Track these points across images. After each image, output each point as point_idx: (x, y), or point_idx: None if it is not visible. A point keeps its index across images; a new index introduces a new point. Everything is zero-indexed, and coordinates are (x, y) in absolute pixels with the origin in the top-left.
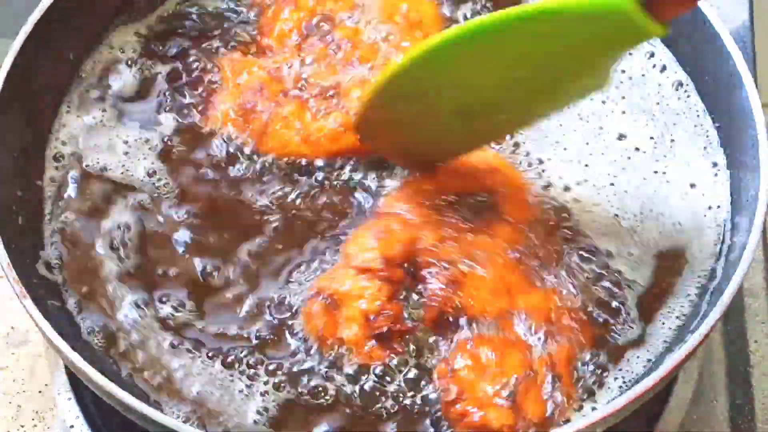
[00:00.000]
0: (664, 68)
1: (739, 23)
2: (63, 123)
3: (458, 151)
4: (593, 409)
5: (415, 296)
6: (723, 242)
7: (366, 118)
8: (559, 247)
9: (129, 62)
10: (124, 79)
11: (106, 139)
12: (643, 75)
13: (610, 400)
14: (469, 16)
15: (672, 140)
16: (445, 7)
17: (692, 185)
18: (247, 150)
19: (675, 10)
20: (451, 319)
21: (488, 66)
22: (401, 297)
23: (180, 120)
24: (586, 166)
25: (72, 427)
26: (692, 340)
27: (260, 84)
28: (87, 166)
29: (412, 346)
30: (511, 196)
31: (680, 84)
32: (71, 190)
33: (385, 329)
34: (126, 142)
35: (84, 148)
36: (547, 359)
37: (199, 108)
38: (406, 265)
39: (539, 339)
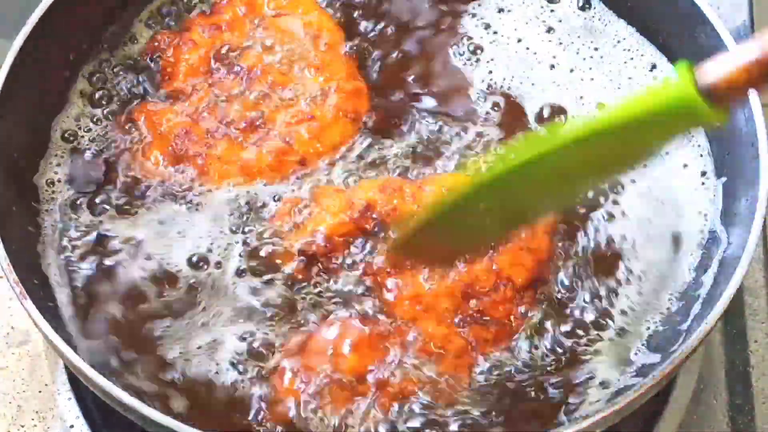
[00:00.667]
0: (654, 66)
1: (739, 23)
2: (63, 123)
3: (493, 242)
4: (594, 409)
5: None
6: (723, 241)
7: (409, 243)
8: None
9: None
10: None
11: (106, 140)
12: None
13: (610, 400)
14: (361, 19)
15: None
16: (340, 14)
17: (691, 184)
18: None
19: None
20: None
21: (549, 176)
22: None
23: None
24: None
25: (72, 427)
26: (692, 340)
27: (184, 129)
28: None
29: None
30: None
31: None
32: (71, 191)
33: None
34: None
35: (85, 149)
36: None
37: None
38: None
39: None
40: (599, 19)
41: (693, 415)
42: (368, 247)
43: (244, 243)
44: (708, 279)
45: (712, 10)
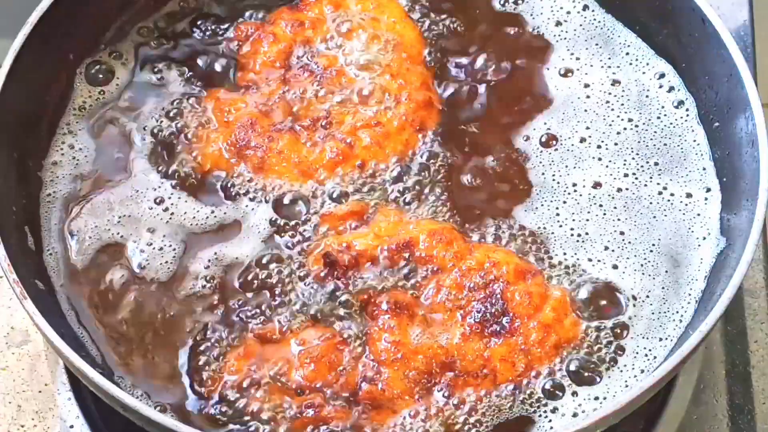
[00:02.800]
0: (662, 75)
1: (739, 23)
2: (63, 123)
3: None
4: (594, 409)
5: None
6: (723, 241)
7: None
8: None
9: (124, 63)
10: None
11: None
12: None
13: (611, 400)
14: (444, 32)
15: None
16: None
17: (689, 182)
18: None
19: None
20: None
21: None
22: None
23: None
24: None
25: (72, 427)
26: (692, 340)
27: (250, 120)
28: (87, 167)
29: None
30: None
31: (673, 89)
32: (71, 192)
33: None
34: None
35: (85, 149)
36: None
37: (193, 153)
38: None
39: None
40: (597, 20)
41: (693, 415)
42: (385, 278)
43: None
44: (708, 279)
45: (712, 10)
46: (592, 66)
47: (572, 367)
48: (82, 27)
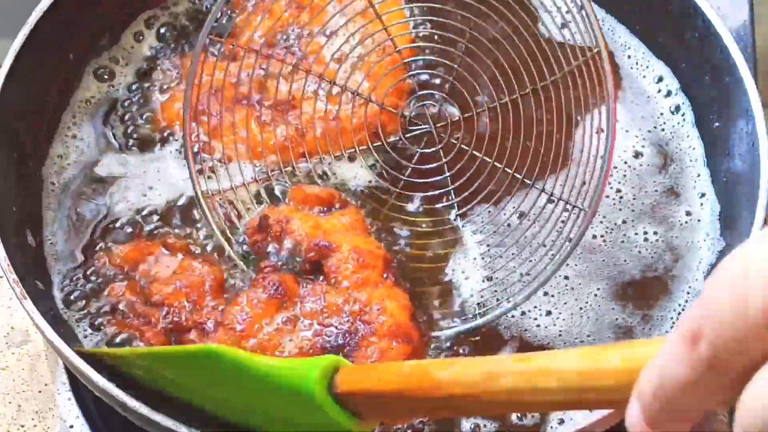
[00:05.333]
0: (661, 79)
1: (739, 23)
2: (63, 123)
3: None
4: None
5: None
6: (723, 242)
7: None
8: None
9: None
10: (123, 81)
11: (107, 141)
12: (647, 95)
13: None
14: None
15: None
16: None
17: (687, 179)
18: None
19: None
20: None
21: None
22: None
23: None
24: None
25: (72, 427)
26: None
27: (216, 87)
28: (88, 167)
29: None
30: None
31: (670, 91)
32: (72, 192)
33: None
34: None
35: (85, 149)
36: None
37: (160, 104)
38: None
39: None
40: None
41: None
42: (291, 262)
43: None
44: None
45: (712, 10)
46: None
47: None
48: (82, 27)
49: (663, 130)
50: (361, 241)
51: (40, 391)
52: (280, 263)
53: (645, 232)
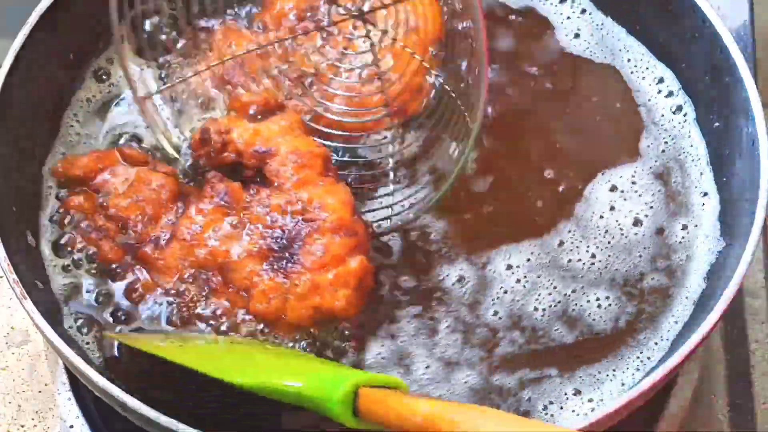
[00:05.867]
0: (661, 80)
1: (739, 23)
2: (64, 123)
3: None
4: (593, 409)
5: None
6: (723, 241)
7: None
8: None
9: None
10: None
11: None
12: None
13: (611, 401)
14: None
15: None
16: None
17: (688, 180)
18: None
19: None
20: None
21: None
22: None
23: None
24: None
25: (72, 427)
26: (692, 340)
27: (242, 58)
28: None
29: None
30: None
31: (670, 91)
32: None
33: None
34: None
35: (85, 149)
36: None
37: (187, 72)
38: None
39: None
40: (596, 23)
41: (693, 415)
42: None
43: None
44: (708, 280)
45: (712, 10)
46: None
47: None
48: (82, 26)
49: (664, 130)
50: (300, 143)
51: (40, 391)
52: (224, 173)
53: (644, 234)
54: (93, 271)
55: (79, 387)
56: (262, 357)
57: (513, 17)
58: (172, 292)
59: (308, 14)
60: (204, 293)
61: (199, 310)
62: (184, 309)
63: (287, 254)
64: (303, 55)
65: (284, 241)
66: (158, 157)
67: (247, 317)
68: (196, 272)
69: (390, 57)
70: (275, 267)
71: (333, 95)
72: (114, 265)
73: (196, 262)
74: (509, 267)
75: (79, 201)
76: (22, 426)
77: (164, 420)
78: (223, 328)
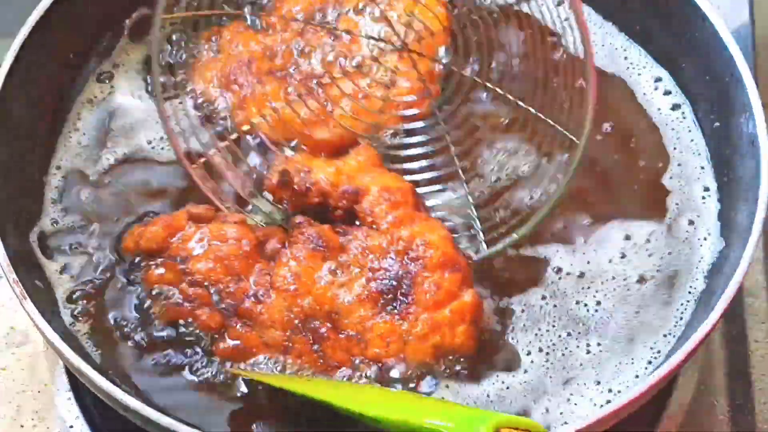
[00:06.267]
0: (659, 79)
1: (739, 23)
2: (64, 123)
3: None
4: (595, 408)
5: None
6: (723, 241)
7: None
8: None
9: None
10: (127, 77)
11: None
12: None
13: (611, 401)
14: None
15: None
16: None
17: (688, 180)
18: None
19: None
20: None
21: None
22: None
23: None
24: None
25: (72, 427)
26: (692, 340)
27: (249, 58)
28: (88, 167)
29: None
30: None
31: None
32: (72, 192)
33: None
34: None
35: (85, 149)
36: None
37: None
38: None
39: None
40: (596, 23)
41: (693, 415)
42: (323, 215)
43: None
44: (708, 279)
45: (712, 10)
46: None
47: (448, 372)
48: (82, 26)
49: (664, 130)
50: (388, 180)
51: (40, 391)
52: (312, 216)
53: (641, 235)
54: (189, 338)
55: (79, 387)
56: (393, 396)
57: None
58: (282, 346)
59: (317, 16)
60: (314, 344)
61: (313, 359)
62: (297, 360)
63: (398, 295)
64: (311, 55)
65: (393, 282)
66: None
67: (373, 365)
68: (303, 323)
69: (396, 59)
70: (388, 309)
71: (340, 96)
72: (216, 332)
73: (302, 312)
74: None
75: (161, 274)
76: (22, 426)
77: (164, 420)
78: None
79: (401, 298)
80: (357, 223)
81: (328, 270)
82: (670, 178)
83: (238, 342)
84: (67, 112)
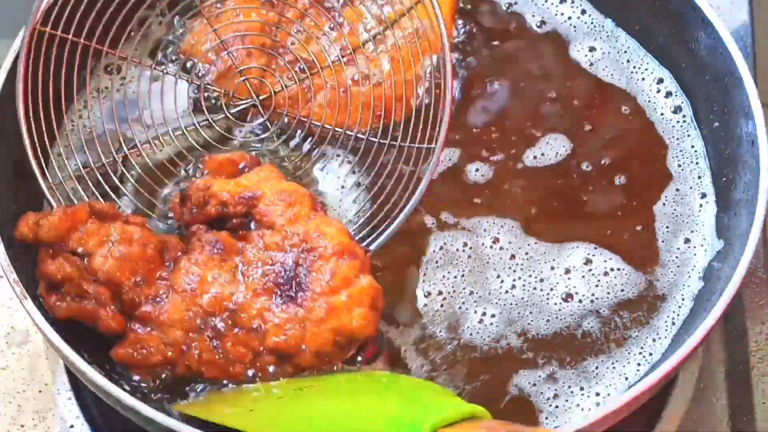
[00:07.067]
0: (661, 80)
1: (739, 23)
2: (65, 123)
3: None
4: (593, 407)
5: None
6: (723, 241)
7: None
8: None
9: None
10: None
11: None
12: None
13: (611, 401)
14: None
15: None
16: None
17: (688, 180)
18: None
19: None
20: None
21: None
22: None
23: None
24: None
25: (72, 427)
26: (692, 340)
27: (245, 29)
28: (88, 166)
29: None
30: None
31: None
32: (72, 191)
33: None
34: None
35: (91, 144)
36: None
37: (188, 34)
38: None
39: None
40: (596, 24)
41: (693, 415)
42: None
43: None
44: (708, 279)
45: (712, 10)
46: None
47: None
48: (83, 26)
49: (663, 130)
50: (285, 185)
51: (40, 391)
52: (209, 225)
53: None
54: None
55: (79, 387)
56: (332, 403)
57: (509, 17)
58: (182, 346)
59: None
60: (213, 341)
61: (214, 358)
62: (196, 360)
63: (294, 285)
64: (306, 39)
65: (289, 273)
66: (125, 209)
67: (268, 358)
68: (203, 321)
69: (387, 61)
70: (285, 299)
71: (320, 86)
72: (116, 334)
73: (201, 311)
74: (513, 257)
75: (58, 267)
76: (22, 426)
77: (164, 420)
78: (249, 374)
79: (298, 288)
80: (253, 226)
81: (226, 269)
82: (670, 177)
83: (137, 345)
84: (67, 112)
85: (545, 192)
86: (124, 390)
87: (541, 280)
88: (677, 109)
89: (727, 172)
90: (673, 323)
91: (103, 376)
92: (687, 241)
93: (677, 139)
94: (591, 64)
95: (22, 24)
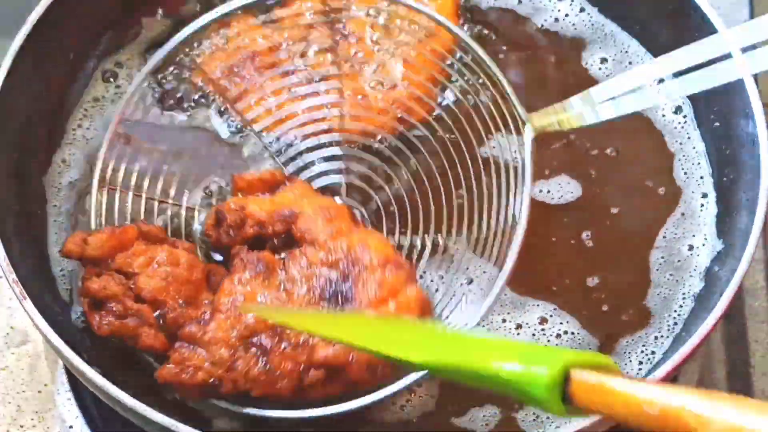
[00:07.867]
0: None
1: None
2: (65, 123)
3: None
4: None
5: None
6: (723, 241)
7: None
8: None
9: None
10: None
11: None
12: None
13: None
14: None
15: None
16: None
17: (686, 182)
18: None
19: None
20: None
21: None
22: None
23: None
24: None
25: (72, 427)
26: (692, 340)
27: (254, 52)
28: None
29: None
30: None
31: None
32: (72, 191)
33: None
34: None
35: (86, 149)
36: None
37: (196, 61)
38: None
39: None
40: (594, 23)
41: None
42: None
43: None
44: (708, 279)
45: (712, 10)
46: None
47: None
48: (83, 26)
49: (664, 131)
50: (322, 201)
51: (40, 391)
52: (248, 246)
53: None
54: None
55: (79, 387)
56: (426, 331)
57: (510, 17)
58: (228, 364)
59: (327, 15)
60: (260, 358)
61: (262, 375)
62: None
63: (340, 298)
64: (315, 53)
65: (334, 287)
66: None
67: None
68: (249, 338)
69: (401, 65)
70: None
71: (327, 92)
72: (159, 353)
73: (246, 329)
74: None
75: (103, 285)
76: (22, 426)
77: (164, 420)
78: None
79: (345, 301)
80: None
81: (270, 287)
82: (670, 175)
83: (182, 364)
84: (68, 112)
85: None
86: (124, 390)
87: None
88: (678, 110)
89: (726, 172)
90: (675, 323)
91: (102, 377)
92: (688, 239)
93: (679, 138)
94: (589, 64)
95: (22, 24)
